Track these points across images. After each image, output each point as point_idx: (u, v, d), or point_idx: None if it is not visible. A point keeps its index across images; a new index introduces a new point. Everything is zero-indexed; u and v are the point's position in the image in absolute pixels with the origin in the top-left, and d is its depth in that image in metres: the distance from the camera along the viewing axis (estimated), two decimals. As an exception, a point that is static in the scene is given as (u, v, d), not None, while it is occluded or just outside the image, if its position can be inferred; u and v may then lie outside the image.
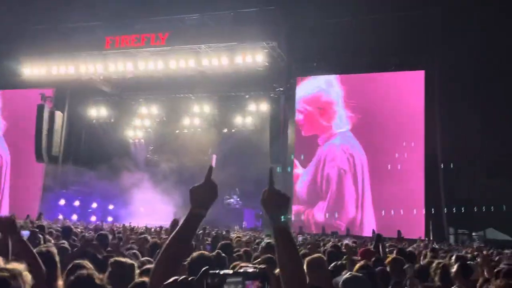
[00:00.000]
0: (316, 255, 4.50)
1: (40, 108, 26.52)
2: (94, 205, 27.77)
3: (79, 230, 11.31)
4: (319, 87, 24.10)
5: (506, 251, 14.13)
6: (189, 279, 1.64)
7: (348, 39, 21.88)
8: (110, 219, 25.21)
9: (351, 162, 22.89)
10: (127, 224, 16.75)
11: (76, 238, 8.41)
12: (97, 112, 29.43)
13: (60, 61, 24.89)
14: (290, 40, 23.21)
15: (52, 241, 6.49)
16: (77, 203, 27.44)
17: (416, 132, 22.20)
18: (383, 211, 21.78)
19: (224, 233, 12.69)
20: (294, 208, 23.28)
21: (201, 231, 8.49)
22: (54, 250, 3.93)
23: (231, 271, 1.61)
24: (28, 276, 2.16)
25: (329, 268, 4.76)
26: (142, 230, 13.35)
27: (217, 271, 1.60)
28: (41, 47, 24.89)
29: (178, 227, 2.10)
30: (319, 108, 23.93)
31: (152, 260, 4.98)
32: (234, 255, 6.22)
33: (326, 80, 24.05)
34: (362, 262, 4.58)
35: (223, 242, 6.68)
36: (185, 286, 1.64)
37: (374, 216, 22.02)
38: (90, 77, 25.51)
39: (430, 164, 21.82)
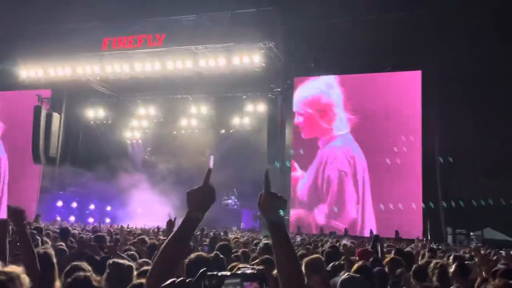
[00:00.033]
0: (314, 255, 4.51)
1: (37, 110, 26.46)
2: (92, 206, 27.74)
3: (76, 231, 11.29)
4: (319, 89, 24.01)
5: (502, 251, 14.17)
6: (187, 280, 1.64)
7: (345, 40, 21.88)
8: (107, 220, 25.18)
9: (352, 164, 22.84)
10: (124, 226, 16.71)
11: (73, 240, 8.39)
12: (95, 113, 29.40)
13: (57, 62, 24.84)
14: (287, 40, 23.22)
15: (50, 243, 6.48)
16: (74, 204, 27.40)
17: (414, 133, 22.23)
18: (382, 212, 21.80)
19: (222, 234, 12.68)
20: (295, 211, 23.26)
21: (199, 232, 8.50)
22: (51, 251, 3.93)
23: (229, 273, 1.61)
24: (26, 279, 2.15)
25: (327, 268, 4.76)
26: (140, 231, 13.33)
27: (215, 273, 1.60)
28: (38, 48, 24.83)
29: (175, 229, 2.09)
30: (319, 110, 23.86)
31: (150, 261, 4.98)
32: (232, 256, 6.22)
33: (326, 82, 23.97)
34: (360, 263, 4.59)
35: (221, 243, 6.68)
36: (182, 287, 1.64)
37: (374, 217, 22.02)
38: (87, 78, 25.46)
39: (427, 164, 21.86)
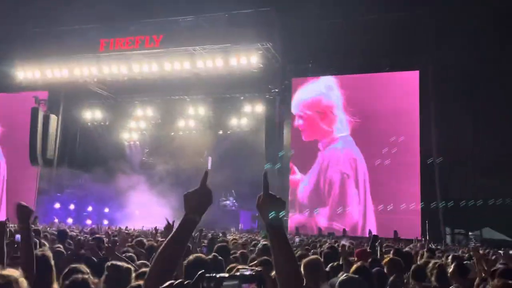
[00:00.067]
0: (313, 256, 4.50)
1: (34, 111, 26.41)
2: (90, 208, 27.69)
3: (74, 233, 11.26)
4: (318, 91, 23.99)
5: (500, 251, 14.18)
6: (185, 283, 1.64)
7: (343, 40, 21.92)
8: (105, 222, 25.13)
9: (354, 167, 22.79)
10: (122, 228, 16.69)
11: (71, 242, 8.37)
12: (92, 114, 29.36)
13: (54, 64, 24.79)
14: (284, 41, 23.24)
15: (47, 245, 6.45)
16: (72, 206, 27.35)
17: (412, 133, 22.27)
18: (382, 212, 21.80)
19: (220, 235, 12.67)
20: (296, 214, 23.21)
21: (197, 233, 8.49)
22: (49, 254, 3.91)
23: (227, 275, 1.61)
24: (24, 283, 2.15)
25: (326, 269, 4.76)
26: (138, 233, 13.31)
27: (213, 275, 1.60)
28: (35, 50, 24.82)
29: (172, 232, 2.09)
30: (319, 112, 23.82)
31: (148, 263, 4.96)
32: (231, 257, 6.22)
33: (325, 84, 23.95)
34: (358, 263, 4.58)
35: (219, 244, 6.67)
36: (181, 290, 1.63)
37: (374, 218, 22.01)
38: (85, 80, 25.43)
39: (426, 164, 21.89)
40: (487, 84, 21.87)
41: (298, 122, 24.09)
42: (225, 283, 1.57)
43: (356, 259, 6.42)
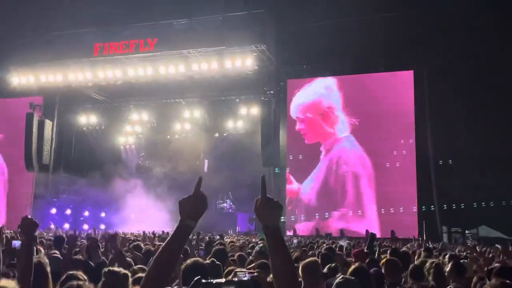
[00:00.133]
0: (311, 259, 4.49)
1: (29, 117, 26.32)
2: (86, 213, 27.61)
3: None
4: (318, 93, 23.95)
5: (497, 245, 14.26)
6: (182, 289, 1.63)
7: (337, 41, 21.94)
8: (102, 226, 25.06)
9: (364, 165, 22.69)
10: (119, 232, 16.64)
11: (67, 247, 8.33)
12: (87, 119, 29.29)
13: (48, 69, 24.73)
14: (279, 43, 23.26)
15: (43, 251, 6.43)
16: (68, 211, 27.26)
17: (408, 134, 22.32)
18: (383, 212, 21.82)
19: (218, 238, 12.66)
20: (303, 220, 23.07)
21: (195, 237, 8.48)
22: (45, 261, 3.90)
23: (223, 280, 1.61)
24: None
25: (323, 270, 4.75)
26: (135, 237, 13.28)
27: (209, 280, 1.60)
28: (29, 55, 24.71)
29: (168, 238, 2.09)
30: (321, 114, 23.76)
31: (145, 268, 4.95)
32: (229, 260, 6.21)
33: (325, 84, 23.92)
34: (356, 264, 4.59)
35: (217, 248, 6.66)
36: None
37: (377, 217, 21.96)
38: (79, 85, 25.36)
39: (422, 164, 21.95)
40: (482, 84, 21.91)
41: (299, 125, 23.95)
42: (221, 288, 1.57)
43: (353, 259, 6.43)
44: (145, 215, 23.99)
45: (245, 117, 26.63)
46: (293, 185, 23.63)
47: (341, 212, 22.44)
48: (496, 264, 5.90)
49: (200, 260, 4.08)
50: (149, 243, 9.94)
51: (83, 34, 24.64)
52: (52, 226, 23.43)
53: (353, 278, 3.60)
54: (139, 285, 2.94)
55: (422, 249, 9.56)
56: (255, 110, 25.49)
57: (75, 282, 3.11)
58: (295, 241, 15.39)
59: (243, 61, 22.02)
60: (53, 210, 26.67)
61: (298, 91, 24.20)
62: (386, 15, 21.84)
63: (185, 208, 2.09)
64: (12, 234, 10.91)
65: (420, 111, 22.21)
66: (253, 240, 13.90)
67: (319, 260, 5.10)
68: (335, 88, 23.69)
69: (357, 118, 23.05)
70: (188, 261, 3.82)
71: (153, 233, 14.90)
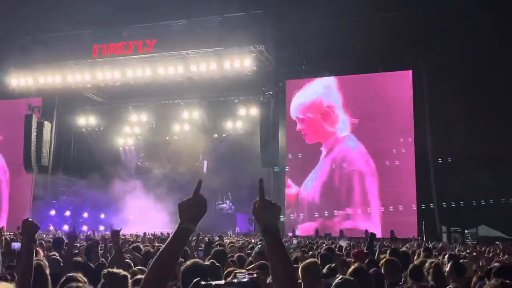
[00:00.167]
0: (310, 260, 4.49)
1: (28, 118, 26.31)
2: (85, 214, 27.58)
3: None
4: (318, 92, 23.95)
5: (498, 242, 14.34)
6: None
7: (336, 41, 21.94)
8: (101, 228, 25.04)
9: (368, 163, 22.68)
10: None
11: (67, 248, 8.32)
12: (86, 120, 29.29)
13: (47, 70, 24.71)
14: (277, 43, 23.24)
15: (42, 254, 6.43)
16: (68, 213, 27.23)
17: (407, 133, 22.33)
18: (383, 211, 21.82)
19: (217, 238, 12.65)
20: (307, 221, 23.03)
21: (194, 238, 8.47)
22: (44, 263, 3.89)
23: (223, 282, 1.61)
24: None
25: (323, 271, 4.75)
26: (134, 239, 13.27)
27: (209, 282, 1.59)
28: (28, 57, 24.73)
29: (167, 240, 2.09)
30: (322, 113, 23.74)
31: (145, 269, 4.94)
32: (228, 260, 6.21)
33: (324, 84, 23.95)
34: (356, 265, 4.58)
35: (216, 249, 6.66)
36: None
37: (379, 217, 21.95)
38: (78, 86, 25.35)
39: (421, 163, 21.96)
40: (482, 84, 21.92)
41: (300, 126, 23.96)
42: (220, 290, 1.57)
43: (353, 260, 6.42)
44: (144, 216, 23.96)
45: (244, 118, 26.63)
46: (291, 189, 23.62)
47: (347, 212, 22.42)
48: (496, 264, 5.90)
49: (200, 261, 4.07)
50: (148, 245, 9.93)
51: (82, 35, 24.64)
52: (52, 227, 23.40)
53: (352, 278, 3.60)
54: (138, 286, 2.94)
55: (422, 249, 9.57)
56: (254, 111, 25.49)
57: (74, 284, 3.11)
58: (294, 241, 15.40)
59: (241, 62, 22.02)
60: (53, 212, 26.64)
61: (297, 91, 24.22)
62: (386, 15, 21.84)
63: (185, 211, 2.09)
64: (12, 236, 10.92)
65: (419, 111, 22.23)
66: (253, 241, 13.88)
67: (319, 261, 5.10)
68: (335, 87, 23.70)
69: (356, 118, 23.07)
70: (188, 262, 3.81)
71: (154, 235, 14.87)
